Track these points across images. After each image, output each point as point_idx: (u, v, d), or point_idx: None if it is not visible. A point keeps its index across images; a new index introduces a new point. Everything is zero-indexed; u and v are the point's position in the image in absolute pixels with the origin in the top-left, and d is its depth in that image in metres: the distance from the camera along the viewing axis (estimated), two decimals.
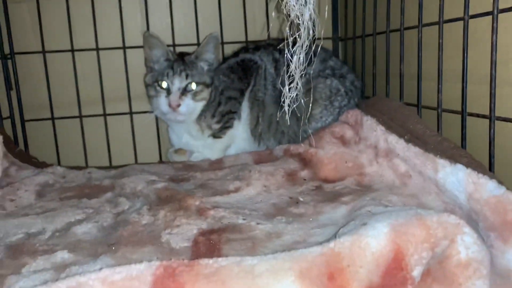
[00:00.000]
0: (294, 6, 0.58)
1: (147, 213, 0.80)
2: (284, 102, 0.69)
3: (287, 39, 0.64)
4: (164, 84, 1.19)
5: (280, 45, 0.67)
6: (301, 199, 0.87)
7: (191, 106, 1.19)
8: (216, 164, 1.15)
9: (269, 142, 1.23)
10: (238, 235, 0.70)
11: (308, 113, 1.17)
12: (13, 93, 1.32)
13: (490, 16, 0.76)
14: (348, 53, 1.40)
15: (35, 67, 1.34)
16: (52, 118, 1.35)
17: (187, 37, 1.40)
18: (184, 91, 1.18)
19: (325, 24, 1.49)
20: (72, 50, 1.33)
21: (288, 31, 0.61)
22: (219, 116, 1.22)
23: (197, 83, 1.20)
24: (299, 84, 0.66)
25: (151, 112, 1.35)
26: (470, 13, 0.80)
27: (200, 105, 1.21)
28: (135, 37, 1.36)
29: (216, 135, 1.23)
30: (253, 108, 1.22)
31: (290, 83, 0.65)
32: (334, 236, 0.58)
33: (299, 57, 0.63)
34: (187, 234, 0.72)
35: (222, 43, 1.40)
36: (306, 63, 0.65)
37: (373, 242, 0.52)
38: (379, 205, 0.74)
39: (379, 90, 1.19)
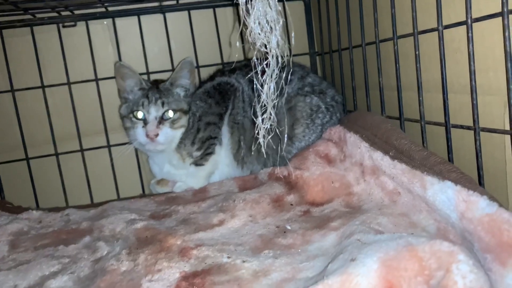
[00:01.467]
0: (259, 34, 0.55)
1: (126, 258, 0.76)
2: (258, 133, 0.65)
3: (255, 68, 0.61)
4: (140, 114, 1.15)
5: (249, 75, 0.63)
6: (289, 227, 0.83)
7: (170, 135, 1.15)
8: (200, 194, 1.11)
9: (252, 165, 1.19)
10: (223, 277, 0.66)
11: (290, 133, 1.15)
12: None
13: (465, 26, 0.74)
14: (326, 67, 1.37)
15: (4, 107, 1.29)
16: (27, 158, 1.30)
17: (161, 64, 1.37)
18: (161, 119, 1.15)
19: (301, 39, 1.48)
20: (43, 86, 1.29)
21: (255, 60, 0.58)
22: (199, 142, 1.18)
23: (174, 110, 1.16)
24: (273, 114, 0.63)
25: (130, 143, 1.31)
26: (444, 23, 0.78)
27: (179, 133, 1.17)
28: (107, 67, 1.32)
29: (198, 163, 1.19)
30: (234, 132, 1.18)
31: (263, 113, 0.62)
32: (323, 275, 0.54)
33: (269, 86, 0.60)
34: (169, 280, 0.68)
35: (198, 66, 1.37)
36: (278, 92, 0.62)
37: (363, 281, 0.48)
38: (369, 230, 0.70)
39: (360, 103, 1.17)
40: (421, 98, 0.87)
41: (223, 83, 1.20)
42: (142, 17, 1.34)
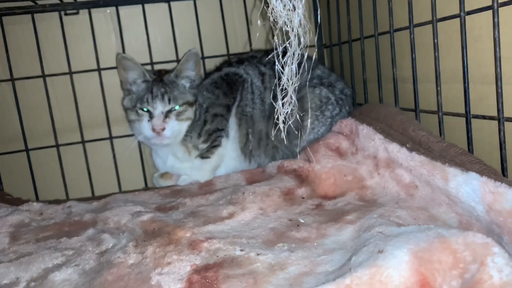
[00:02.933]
0: (281, 12, 0.52)
1: (133, 251, 0.72)
2: (278, 118, 0.62)
3: (276, 48, 0.58)
4: (145, 109, 1.12)
5: (269, 56, 0.60)
6: (302, 221, 0.80)
7: (176, 128, 1.11)
8: (206, 187, 1.07)
9: (260, 159, 1.16)
10: (237, 270, 0.63)
11: (306, 126, 1.12)
12: None
13: (487, 12, 0.71)
14: (334, 60, 1.34)
15: (4, 96, 1.25)
16: (26, 150, 1.26)
17: (165, 54, 1.33)
18: (167, 112, 1.11)
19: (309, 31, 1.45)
20: (43, 76, 1.25)
21: (276, 40, 0.55)
22: (206, 135, 1.14)
23: (180, 104, 1.12)
24: (294, 97, 0.60)
25: (132, 135, 1.27)
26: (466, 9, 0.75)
27: (185, 126, 1.14)
28: (110, 57, 1.29)
29: (204, 156, 1.16)
30: (242, 125, 1.15)
31: (283, 97, 0.59)
32: (348, 267, 0.51)
33: (291, 68, 0.56)
34: (180, 273, 0.65)
35: (203, 57, 1.33)
36: (299, 74, 0.58)
37: (395, 273, 0.45)
38: (390, 223, 0.67)
39: (371, 96, 1.14)
40: (439, 88, 0.84)
41: (231, 74, 1.17)
42: (147, 6, 1.30)
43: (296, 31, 0.53)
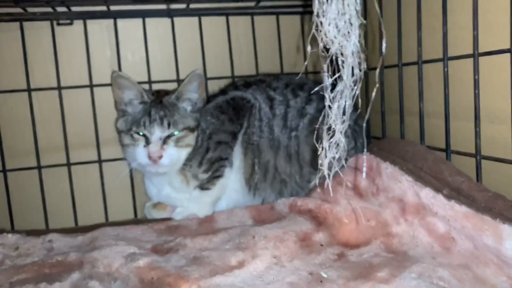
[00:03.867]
0: (335, 38, 0.42)
1: None
2: (321, 164, 0.52)
3: (323, 81, 0.48)
4: (141, 132, 1.01)
5: (316, 88, 0.50)
6: (325, 275, 0.69)
7: (175, 156, 1.00)
8: (207, 224, 0.96)
9: (265, 193, 1.05)
10: None
11: (313, 160, 1.02)
12: None
13: None
14: None
15: None
16: (4, 170, 1.13)
17: (165, 73, 1.22)
18: (166, 138, 1.00)
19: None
20: (29, 90, 1.12)
21: (325, 70, 0.45)
22: (208, 164, 1.03)
23: (180, 129, 1.02)
24: (343, 140, 0.50)
25: (123, 159, 1.16)
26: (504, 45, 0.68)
27: (184, 153, 1.03)
28: (103, 73, 1.17)
29: (204, 187, 1.05)
30: (247, 154, 1.05)
31: (330, 138, 0.49)
32: None
33: (340, 105, 0.47)
34: None
35: (206, 79, 1.23)
36: (350, 111, 0.49)
37: None
38: (433, 286, 0.57)
39: (389, 130, 1.05)
40: (478, 129, 0.76)
41: (238, 98, 1.07)
42: (148, 20, 1.20)
43: (350, 61, 0.44)
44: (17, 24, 1.10)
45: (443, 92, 0.83)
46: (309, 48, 0.44)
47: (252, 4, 1.22)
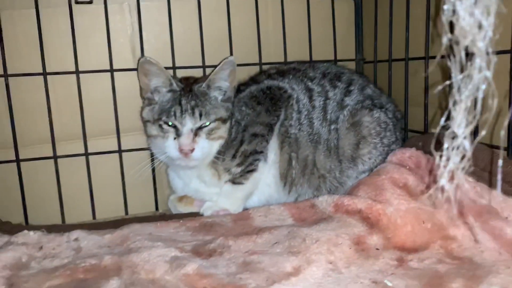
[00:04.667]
0: (469, 29, 0.36)
1: None
2: (440, 175, 0.45)
3: (449, 78, 0.41)
4: (171, 124, 0.94)
5: (439, 87, 0.44)
6: (389, 284, 0.64)
7: (207, 149, 0.94)
8: (243, 222, 0.90)
9: (302, 189, 0.99)
10: None
11: (354, 153, 0.97)
12: None
13: None
14: (379, 78, 1.20)
15: None
16: (17, 160, 1.05)
17: (189, 58, 1.15)
18: (197, 130, 0.93)
19: (348, 43, 1.30)
20: (44, 74, 1.04)
21: (452, 61, 0.38)
22: (242, 157, 0.97)
23: (213, 120, 0.95)
24: (468, 148, 0.44)
25: (145, 149, 1.09)
26: None
27: (216, 145, 0.96)
28: (123, 57, 1.10)
29: (236, 181, 0.98)
30: (284, 147, 0.98)
31: (453, 143, 0.42)
32: None
33: (466, 104, 0.41)
34: None
35: None
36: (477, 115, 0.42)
37: None
38: None
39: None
40: None
41: (274, 88, 1.00)
42: (173, 1, 1.12)
43: (483, 55, 0.37)
44: (31, 1, 1.01)
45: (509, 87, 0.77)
46: (444, 40, 0.38)
47: None
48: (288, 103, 0.99)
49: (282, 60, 1.21)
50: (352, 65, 1.29)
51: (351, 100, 1.00)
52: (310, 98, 0.99)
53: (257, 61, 1.19)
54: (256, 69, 1.19)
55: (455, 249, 0.73)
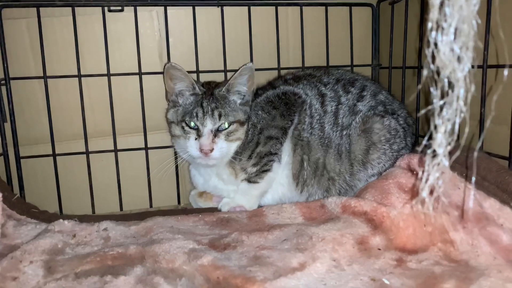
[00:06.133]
0: (448, 62, 0.41)
1: None
2: (422, 188, 0.51)
3: (433, 103, 0.46)
4: (193, 124, 1.01)
5: (422, 112, 0.49)
6: (387, 282, 0.70)
7: (225, 149, 1.01)
8: (257, 218, 0.97)
9: (313, 189, 1.05)
10: None
11: (364, 158, 1.02)
12: (7, 126, 1.11)
13: None
14: (394, 84, 1.24)
15: (33, 95, 1.14)
16: (54, 155, 1.15)
17: (212, 63, 1.22)
18: (216, 131, 1.01)
19: (365, 48, 1.34)
20: (79, 76, 1.13)
21: (435, 92, 0.44)
22: (257, 158, 1.04)
23: (231, 122, 1.02)
24: (446, 165, 0.49)
25: (168, 147, 1.17)
26: None
27: (234, 146, 1.04)
28: (151, 61, 1.18)
29: (252, 180, 1.05)
30: (296, 150, 1.04)
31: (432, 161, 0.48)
32: None
33: (442, 133, 0.46)
34: None
35: None
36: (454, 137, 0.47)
37: None
38: None
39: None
40: None
41: (289, 93, 1.06)
42: (197, 9, 1.19)
43: (462, 84, 0.42)
44: (69, 9, 1.10)
45: None
46: (425, 72, 0.43)
47: None
48: (301, 108, 1.05)
49: (300, 65, 1.27)
50: (368, 71, 1.34)
51: (364, 105, 1.05)
52: (322, 104, 1.05)
53: (276, 66, 1.25)
54: (275, 73, 1.25)
55: (453, 252, 0.78)
